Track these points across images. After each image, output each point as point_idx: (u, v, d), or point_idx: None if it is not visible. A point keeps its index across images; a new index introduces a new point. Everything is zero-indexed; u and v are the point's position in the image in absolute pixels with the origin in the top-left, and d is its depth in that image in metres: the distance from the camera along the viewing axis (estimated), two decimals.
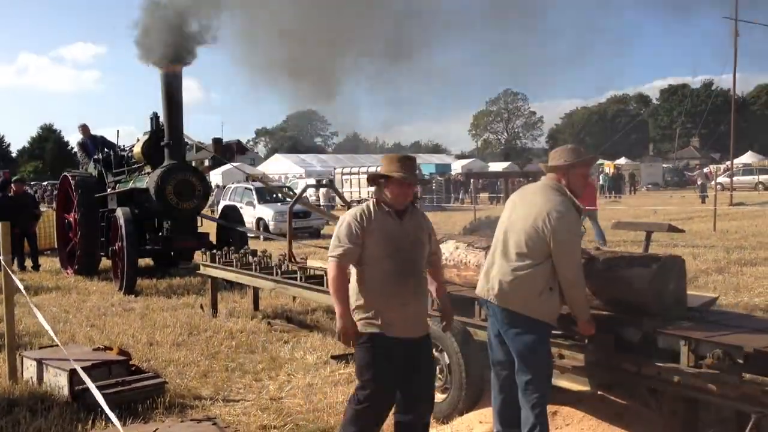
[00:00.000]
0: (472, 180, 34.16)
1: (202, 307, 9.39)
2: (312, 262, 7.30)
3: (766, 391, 3.50)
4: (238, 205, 19.19)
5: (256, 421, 5.13)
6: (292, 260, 7.77)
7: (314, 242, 17.85)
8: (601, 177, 45.31)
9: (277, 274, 8.00)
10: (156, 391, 5.55)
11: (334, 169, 45.20)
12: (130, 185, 12.50)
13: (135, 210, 11.71)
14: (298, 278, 7.62)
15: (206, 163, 12.89)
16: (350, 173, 39.34)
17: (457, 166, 56.57)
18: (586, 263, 4.37)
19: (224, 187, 31.59)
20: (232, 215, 13.12)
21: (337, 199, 37.68)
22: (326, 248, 12.81)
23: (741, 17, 29.24)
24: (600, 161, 58.59)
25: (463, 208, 33.98)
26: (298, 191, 34.89)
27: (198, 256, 10.50)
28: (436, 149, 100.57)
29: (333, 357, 6.81)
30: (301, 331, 8.12)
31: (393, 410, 4.18)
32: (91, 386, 3.99)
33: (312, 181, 40.89)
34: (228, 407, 5.48)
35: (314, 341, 7.55)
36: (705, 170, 46.93)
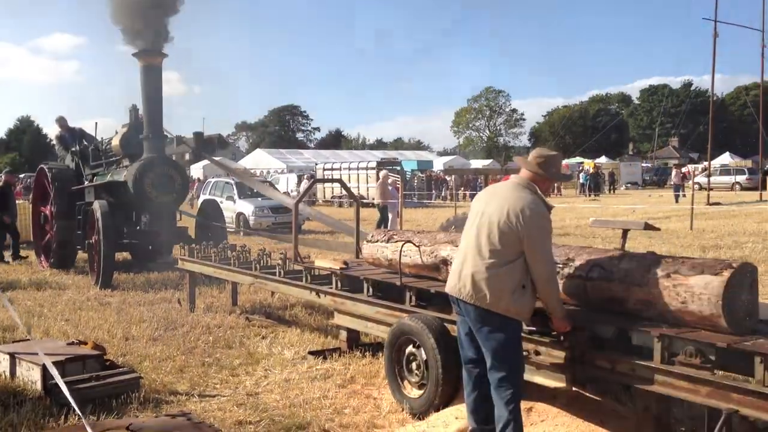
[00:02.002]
0: (453, 177, 34.23)
1: (179, 301, 9.33)
2: (320, 262, 7.09)
3: (737, 387, 3.54)
4: (218, 199, 19.07)
5: (231, 417, 5.10)
6: (298, 260, 7.58)
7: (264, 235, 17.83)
8: (581, 176, 45.62)
9: (256, 268, 7.98)
10: (131, 386, 5.50)
11: (316, 164, 45.08)
12: (108, 178, 12.38)
13: (113, 203, 11.59)
14: (277, 273, 7.59)
15: (187, 156, 12.81)
16: (332, 169, 39.24)
17: (438, 163, 56.69)
18: (638, 268, 4.10)
19: (204, 180, 31.43)
20: (211, 210, 13.02)
21: (318, 195, 37.68)
22: (275, 237, 12.50)
23: (721, 19, 29.52)
24: (580, 160, 59.11)
25: (444, 204, 34.03)
26: (280, 187, 34.63)
27: (176, 251, 10.42)
28: (418, 146, 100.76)
29: (311, 353, 6.79)
30: (280, 327, 8.09)
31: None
32: (59, 381, 3.95)
33: (294, 177, 40.73)
34: (204, 402, 5.45)
35: (292, 337, 7.52)
36: (683, 170, 47.37)
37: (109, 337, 7.49)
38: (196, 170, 47.16)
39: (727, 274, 3.72)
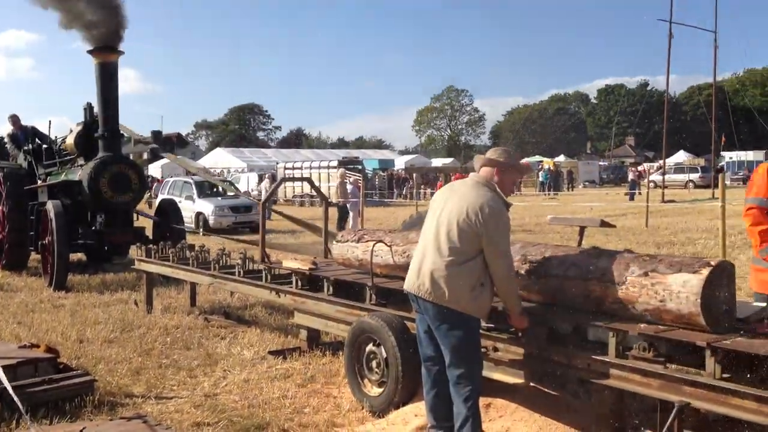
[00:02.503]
0: (414, 175, 34.35)
1: (136, 303, 9.17)
2: (288, 263, 6.91)
3: (688, 380, 3.61)
4: (177, 199, 18.79)
5: (189, 418, 5.03)
6: (265, 260, 7.39)
7: (255, 237, 17.69)
8: (540, 174, 46.19)
9: (215, 268, 7.89)
10: (85, 390, 5.39)
11: (277, 163, 44.80)
12: (62, 177, 12.11)
13: (67, 203, 11.36)
14: (237, 273, 7.52)
15: (144, 156, 12.61)
16: (293, 168, 39.04)
17: (400, 162, 56.84)
18: (616, 267, 4.05)
19: (163, 180, 30.98)
20: (169, 210, 12.83)
21: (280, 193, 37.43)
22: (242, 241, 12.39)
23: (676, 20, 30.18)
24: (540, 159, 59.87)
25: (405, 203, 34.13)
26: (240, 186, 34.33)
27: (133, 251, 10.25)
28: (380, 145, 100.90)
29: (270, 352, 6.74)
30: (239, 327, 8.02)
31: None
32: (6, 384, 3.84)
33: (254, 176, 40.40)
34: (160, 404, 5.36)
35: (252, 337, 7.46)
36: (639, 168, 48.32)
37: (63, 339, 7.33)
38: (155, 169, 46.50)
39: (705, 272, 3.69)
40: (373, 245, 5.68)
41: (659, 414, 3.73)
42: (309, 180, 9.72)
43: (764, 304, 4.45)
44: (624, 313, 4.02)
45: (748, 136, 60.57)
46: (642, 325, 3.90)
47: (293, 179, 31.83)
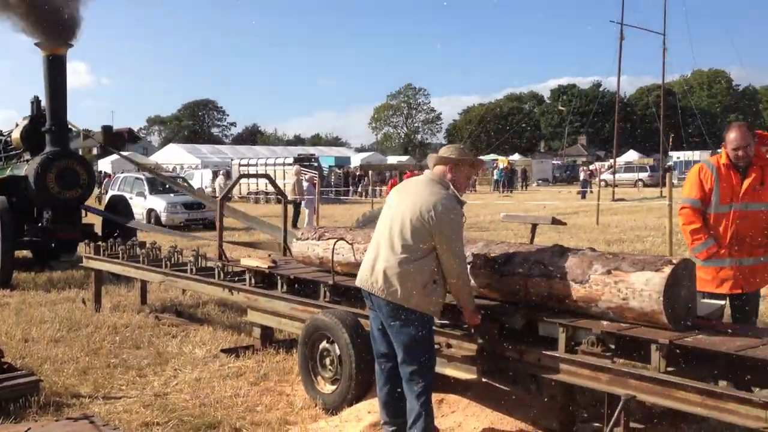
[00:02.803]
0: (370, 173, 34.36)
1: (84, 301, 8.96)
2: (247, 261, 6.75)
3: (634, 374, 3.69)
4: (128, 195, 18.46)
5: (138, 418, 4.94)
6: (222, 258, 7.20)
7: (210, 234, 17.46)
8: (495, 172, 46.68)
9: (166, 266, 7.76)
10: (29, 390, 5.24)
11: (232, 160, 44.28)
12: (8, 173, 11.80)
13: (12, 199, 11.03)
14: (189, 270, 7.41)
15: (94, 151, 12.34)
16: (248, 164, 38.65)
17: (356, 160, 56.78)
18: (579, 265, 4.05)
19: (113, 176, 30.36)
20: (120, 206, 12.57)
21: (233, 191, 36.99)
22: (199, 238, 12.15)
23: (627, 22, 30.79)
24: (495, 157, 60.49)
25: (361, 200, 34.13)
26: (193, 182, 33.78)
27: (81, 249, 10.01)
28: (336, 142, 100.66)
29: (223, 351, 6.66)
30: (191, 325, 7.90)
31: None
32: None
33: (208, 172, 39.85)
34: (108, 405, 5.25)
35: (204, 335, 7.36)
36: (591, 167, 49.21)
37: (7, 339, 7.12)
38: (105, 165, 45.53)
39: (667, 270, 3.71)
40: (335, 243, 5.61)
41: (607, 407, 3.80)
42: (268, 176, 9.58)
43: (722, 302, 4.56)
44: (587, 311, 4.02)
45: (696, 136, 62.31)
46: (605, 323, 3.94)
47: (251, 176, 31.50)
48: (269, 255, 7.36)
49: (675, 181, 18.02)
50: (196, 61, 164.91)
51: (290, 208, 20.86)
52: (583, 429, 4.34)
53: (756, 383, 3.61)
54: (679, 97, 74.52)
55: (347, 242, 5.61)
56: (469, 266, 4.50)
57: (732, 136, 4.80)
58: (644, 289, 3.73)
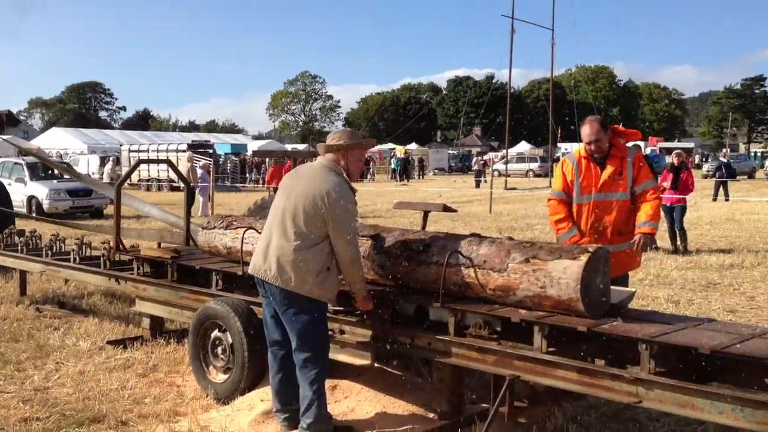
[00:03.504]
0: (267, 160, 33.90)
1: None
2: (147, 252, 6.34)
3: (518, 355, 3.84)
4: (6, 181, 17.35)
5: (16, 414, 4.69)
6: (120, 249, 6.75)
7: (96, 222, 16.75)
8: (392, 161, 47.16)
9: (47, 255, 7.39)
10: None
11: (121, 146, 42.51)
12: None
13: None
14: (72, 259, 7.09)
15: None
16: (138, 150, 37.23)
17: (254, 147, 55.81)
18: (497, 253, 4.04)
19: None
20: None
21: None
22: (93, 229, 11.75)
23: (518, 17, 31.80)
24: (392, 146, 61.09)
25: (258, 189, 33.63)
26: (79, 169, 32.30)
27: None
28: (233, 129, 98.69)
29: (109, 342, 6.42)
30: (76, 317, 7.56)
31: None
32: None
33: (96, 158, 38.16)
34: None
35: (89, 326, 7.06)
36: (485, 157, 50.58)
37: None
38: None
39: (584, 258, 3.73)
40: (244, 232, 5.38)
41: (493, 388, 3.94)
42: (170, 162, 9.24)
43: (634, 290, 4.75)
44: (505, 300, 4.01)
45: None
46: (491, 306, 4.04)
47: (152, 161, 30.21)
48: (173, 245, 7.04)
49: None
50: (82, 41, 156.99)
51: (182, 195, 20.34)
52: (472, 410, 4.48)
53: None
54: (567, 90, 77.74)
55: (258, 231, 5.27)
56: (384, 255, 4.49)
57: (584, 130, 5.03)
58: (562, 277, 3.75)
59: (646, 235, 4.95)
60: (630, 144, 5.23)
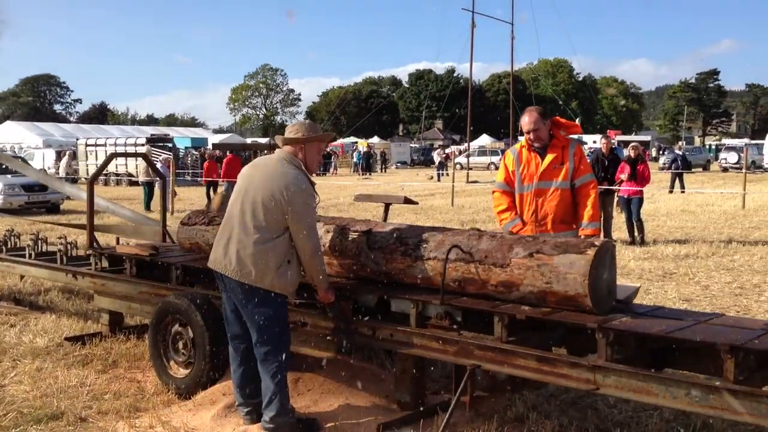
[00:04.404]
0: (227, 153, 33.54)
1: None
2: (123, 249, 6.07)
3: (479, 345, 3.89)
4: None
5: None
6: (93, 246, 6.41)
7: (52, 218, 16.42)
8: (355, 155, 47.09)
9: (1, 251, 7.23)
10: None
11: (77, 139, 41.65)
12: None
13: None
14: (27, 255, 6.95)
15: None
16: (96, 145, 36.53)
17: (214, 141, 55.20)
18: (499, 248, 3.91)
19: None
20: None
21: (81, 172, 34.91)
22: (66, 224, 11.59)
23: (478, 11, 31.97)
24: (354, 140, 61.01)
25: (218, 182, 33.25)
26: (34, 163, 31.51)
27: None
28: (193, 123, 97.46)
29: (67, 339, 6.31)
30: (32, 314, 7.40)
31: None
32: None
33: (52, 152, 37.30)
34: None
35: (47, 323, 6.93)
36: (447, 151, 50.84)
37: None
38: None
39: (591, 252, 3.63)
40: None
41: (454, 378, 3.99)
42: (145, 156, 9.07)
43: (638, 285, 4.69)
44: (506, 296, 3.90)
45: None
46: (451, 297, 4.06)
47: (125, 155, 29.59)
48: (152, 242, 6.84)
49: None
50: (37, 33, 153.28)
51: (141, 190, 20.09)
52: (434, 400, 4.52)
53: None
54: (527, 83, 78.49)
55: None
56: (377, 250, 4.39)
57: (523, 119, 5.09)
58: (568, 272, 3.65)
59: (590, 237, 4.95)
60: (572, 137, 5.27)
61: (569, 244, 3.78)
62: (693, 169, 34.52)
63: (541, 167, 5.04)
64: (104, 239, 7.31)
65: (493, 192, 5.34)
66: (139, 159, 28.88)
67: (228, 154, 24.30)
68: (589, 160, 6.33)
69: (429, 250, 4.19)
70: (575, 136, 5.63)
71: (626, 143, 21.85)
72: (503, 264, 3.87)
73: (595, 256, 3.64)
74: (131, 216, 8.74)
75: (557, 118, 5.32)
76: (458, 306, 4.03)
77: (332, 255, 4.62)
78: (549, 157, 5.04)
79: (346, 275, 4.66)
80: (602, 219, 10.80)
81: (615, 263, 3.85)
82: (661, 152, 54.16)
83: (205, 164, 23.97)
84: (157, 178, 19.81)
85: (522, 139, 5.26)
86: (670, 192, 24.18)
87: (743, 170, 21.89)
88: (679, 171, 25.15)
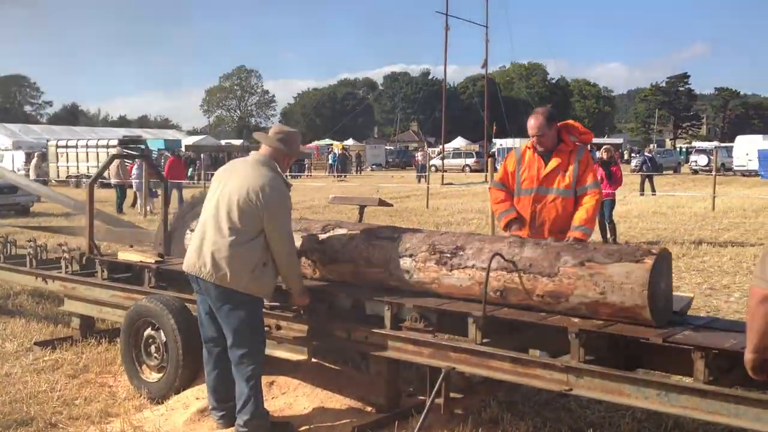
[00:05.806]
0: (202, 156, 33.34)
1: None
2: (126, 256, 5.88)
3: (453, 347, 3.90)
4: None
5: None
6: (94, 251, 6.19)
7: (22, 221, 16.16)
8: (330, 157, 47.00)
9: None
10: None
11: (48, 141, 41.04)
12: None
13: None
14: None
15: None
16: (66, 146, 36.03)
17: (188, 143, 54.73)
18: (545, 256, 3.70)
19: None
20: None
21: (51, 173, 34.39)
22: (38, 228, 11.43)
23: (452, 14, 32.12)
24: (329, 142, 60.91)
25: (193, 185, 33.02)
26: (3, 165, 30.97)
27: None
28: (167, 124, 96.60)
29: (37, 343, 6.21)
30: (1, 318, 7.27)
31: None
32: None
33: (21, 154, 36.71)
34: None
35: (15, 328, 6.81)
36: (427, 152, 51.00)
37: None
38: None
39: (649, 261, 3.43)
40: None
41: (429, 380, 3.99)
42: (147, 158, 8.93)
43: (691, 296, 4.50)
44: (554, 308, 3.69)
45: (515, 125, 66.40)
46: (425, 300, 4.08)
47: (126, 156, 28.92)
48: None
49: (497, 167, 19.20)
50: (5, 32, 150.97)
51: (114, 192, 19.86)
52: (408, 402, 4.52)
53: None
54: (501, 87, 78.96)
55: None
56: (410, 259, 4.16)
57: (529, 122, 4.84)
58: (625, 282, 3.44)
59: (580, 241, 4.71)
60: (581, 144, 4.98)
61: (623, 252, 3.56)
62: (664, 172, 34.98)
63: (543, 171, 4.80)
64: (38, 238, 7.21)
65: (490, 188, 5.29)
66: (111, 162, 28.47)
67: (169, 156, 23.81)
68: None
69: (466, 258, 3.98)
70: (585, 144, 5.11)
71: (599, 146, 22.04)
72: (551, 273, 3.65)
73: (654, 265, 3.43)
74: (73, 204, 8.50)
75: (571, 122, 5.06)
76: (429, 307, 4.01)
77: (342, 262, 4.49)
78: (553, 162, 4.79)
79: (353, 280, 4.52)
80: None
81: (671, 272, 3.66)
82: (632, 155, 54.80)
83: (167, 162, 22.83)
84: (135, 180, 19.72)
85: (506, 142, 5.27)
86: (641, 194, 24.46)
87: (713, 173, 22.25)
88: (649, 173, 25.46)
